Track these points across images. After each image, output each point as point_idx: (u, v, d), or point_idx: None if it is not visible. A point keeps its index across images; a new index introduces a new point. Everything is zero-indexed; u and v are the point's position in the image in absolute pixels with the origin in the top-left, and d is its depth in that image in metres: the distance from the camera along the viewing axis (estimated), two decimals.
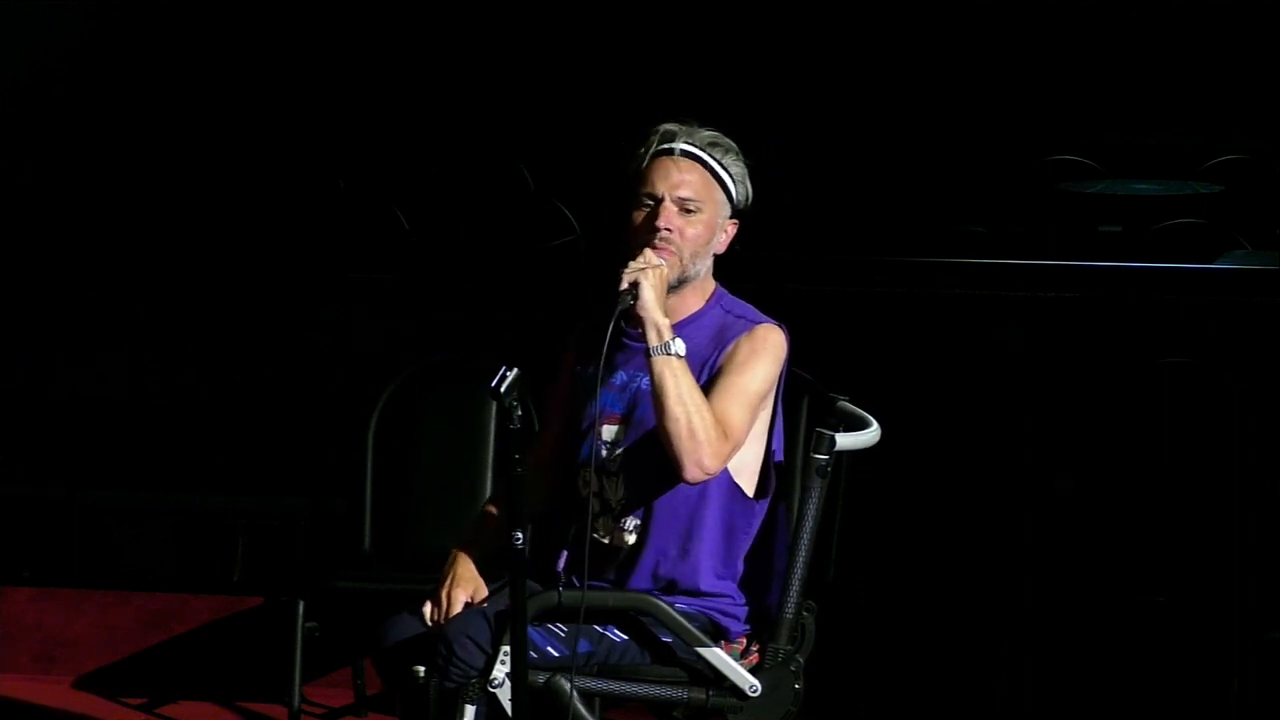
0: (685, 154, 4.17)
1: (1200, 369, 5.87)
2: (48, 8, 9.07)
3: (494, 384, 3.80)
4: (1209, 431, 5.81)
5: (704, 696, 4.09)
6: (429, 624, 4.12)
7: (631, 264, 4.10)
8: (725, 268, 4.38)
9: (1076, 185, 8.98)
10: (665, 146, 4.17)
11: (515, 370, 3.83)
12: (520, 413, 3.84)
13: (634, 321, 4.14)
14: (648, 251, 4.11)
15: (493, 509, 4.29)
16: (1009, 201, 8.85)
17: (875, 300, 6.52)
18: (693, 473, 4.03)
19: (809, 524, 4.09)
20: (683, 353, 4.05)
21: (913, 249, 7.51)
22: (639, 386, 4.15)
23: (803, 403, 4.35)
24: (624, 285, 4.07)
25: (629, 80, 10.11)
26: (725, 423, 4.04)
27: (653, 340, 4.04)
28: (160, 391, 6.84)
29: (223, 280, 6.99)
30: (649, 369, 4.04)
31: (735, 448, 4.09)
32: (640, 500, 4.13)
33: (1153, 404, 5.88)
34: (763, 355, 4.13)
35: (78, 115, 9.24)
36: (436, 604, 4.13)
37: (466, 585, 4.13)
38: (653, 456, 4.09)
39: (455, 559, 4.19)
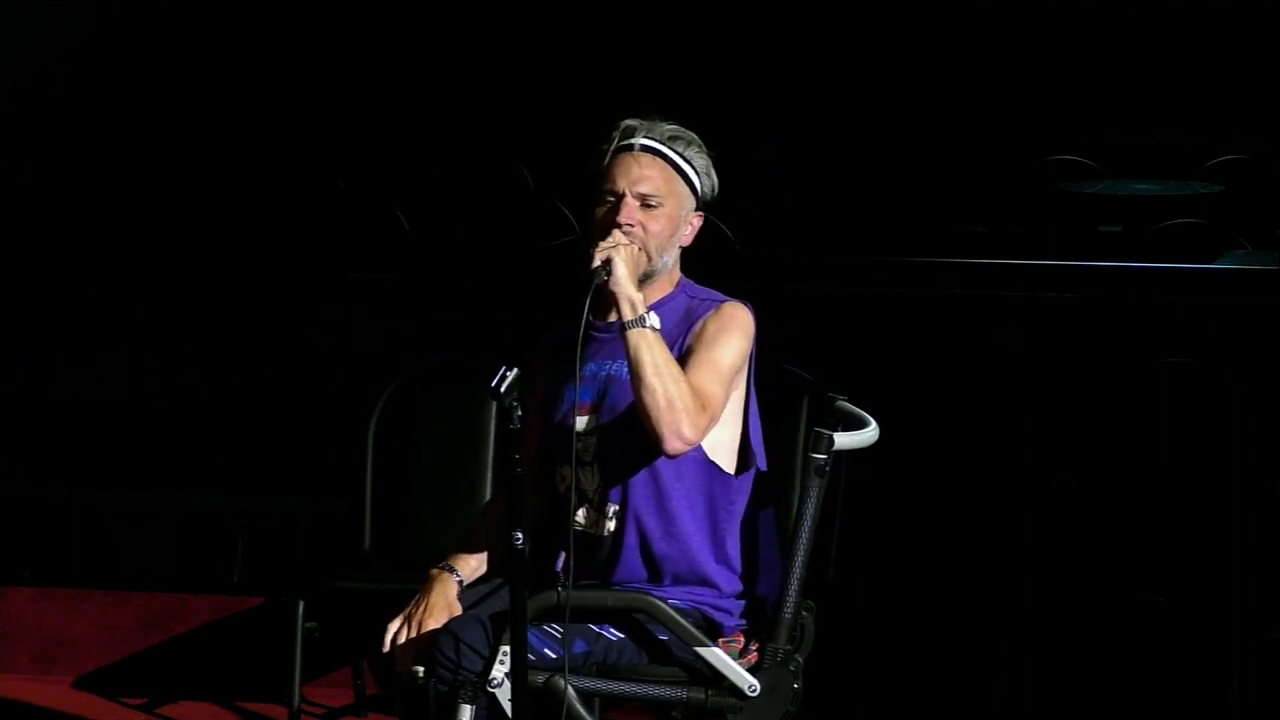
0: (646, 149, 4.17)
1: (1200, 369, 5.87)
2: (48, 8, 9.08)
3: (494, 384, 3.80)
4: (1209, 431, 5.81)
5: (703, 696, 4.09)
6: (385, 648, 4.12)
7: (602, 243, 4.10)
8: (725, 268, 4.39)
9: (1076, 185, 8.98)
10: (626, 142, 4.18)
11: (515, 370, 3.83)
12: (520, 413, 3.84)
13: (602, 313, 4.16)
14: (617, 232, 4.11)
15: (485, 522, 4.28)
16: (1009, 201, 8.85)
17: (875, 300, 6.53)
18: (672, 444, 4.02)
19: (807, 524, 4.09)
20: (658, 326, 4.05)
21: (913, 249, 7.51)
22: (608, 374, 4.16)
23: (802, 403, 4.35)
24: (596, 263, 4.07)
25: (629, 80, 10.10)
26: (701, 394, 4.04)
27: (627, 314, 4.05)
28: (160, 391, 6.84)
29: (223, 280, 6.99)
30: (624, 343, 4.04)
31: (712, 420, 4.08)
32: (616, 485, 4.13)
33: (1153, 404, 5.88)
34: (731, 331, 4.13)
35: (78, 115, 9.24)
36: (405, 625, 4.12)
37: (439, 615, 4.11)
38: (625, 440, 4.10)
39: (432, 585, 4.17)
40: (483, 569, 4.23)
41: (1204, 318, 6.36)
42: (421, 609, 4.13)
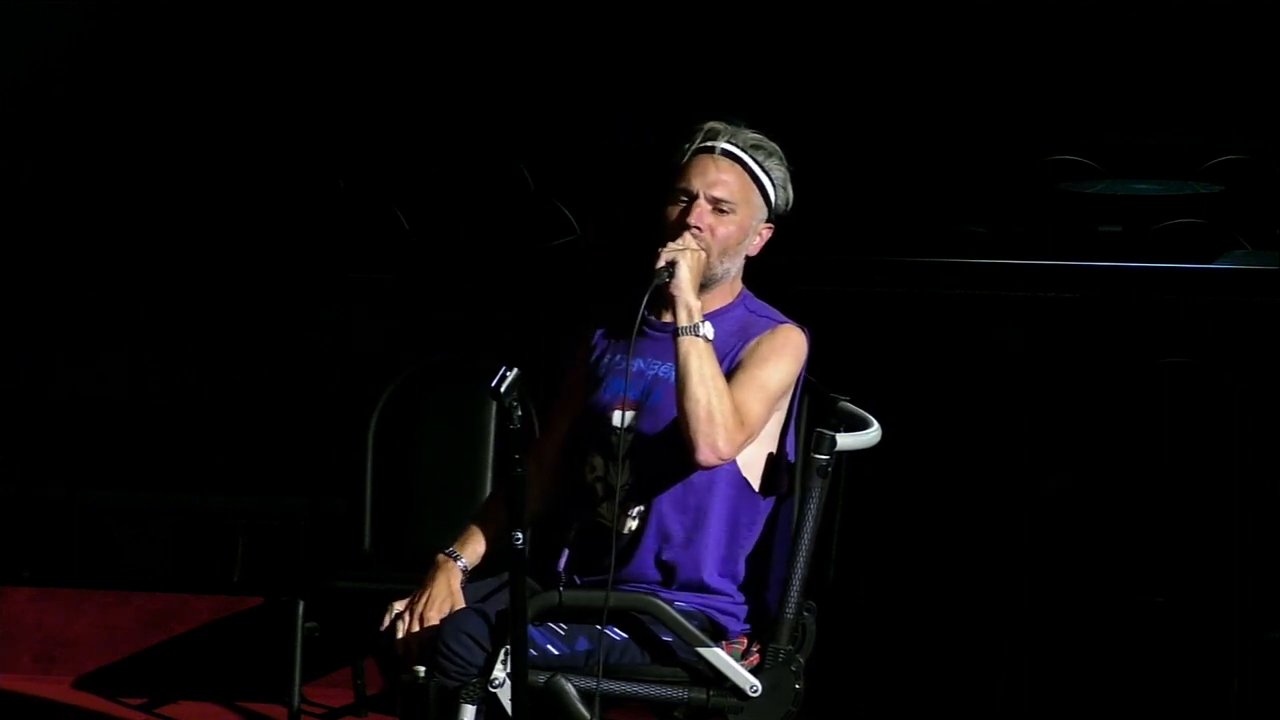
0: (726, 154, 4.18)
1: (1200, 369, 5.87)
2: (48, 8, 9.07)
3: (494, 384, 3.80)
4: (1209, 431, 5.81)
5: (704, 696, 4.09)
6: (384, 625, 4.12)
7: (671, 244, 4.11)
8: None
9: (1076, 185, 8.98)
10: (707, 144, 4.19)
11: (515, 370, 3.82)
12: (520, 413, 3.83)
13: (658, 312, 4.16)
14: (688, 235, 4.12)
15: (489, 514, 4.28)
16: (1009, 201, 8.85)
17: (875, 300, 6.53)
18: (705, 455, 4.03)
19: (809, 524, 4.09)
20: (711, 336, 4.06)
21: (913, 249, 7.51)
22: (655, 374, 4.16)
23: (803, 403, 4.35)
24: (661, 263, 4.08)
25: (629, 81, 10.11)
26: (742, 411, 4.05)
27: (683, 320, 4.05)
28: (160, 391, 6.84)
29: (223, 280, 6.99)
30: (675, 348, 4.04)
31: (750, 438, 4.09)
32: (645, 485, 4.13)
33: (1153, 404, 5.88)
34: (784, 353, 4.14)
35: (78, 115, 9.24)
36: (408, 610, 4.13)
37: (441, 607, 4.12)
38: (663, 443, 4.10)
39: (435, 574, 4.18)
40: (483, 559, 4.24)
41: (1204, 318, 6.35)
42: (424, 600, 4.13)
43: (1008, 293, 6.56)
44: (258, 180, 8.80)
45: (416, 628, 4.10)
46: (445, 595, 4.14)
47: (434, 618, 4.09)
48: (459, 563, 4.19)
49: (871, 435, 4.17)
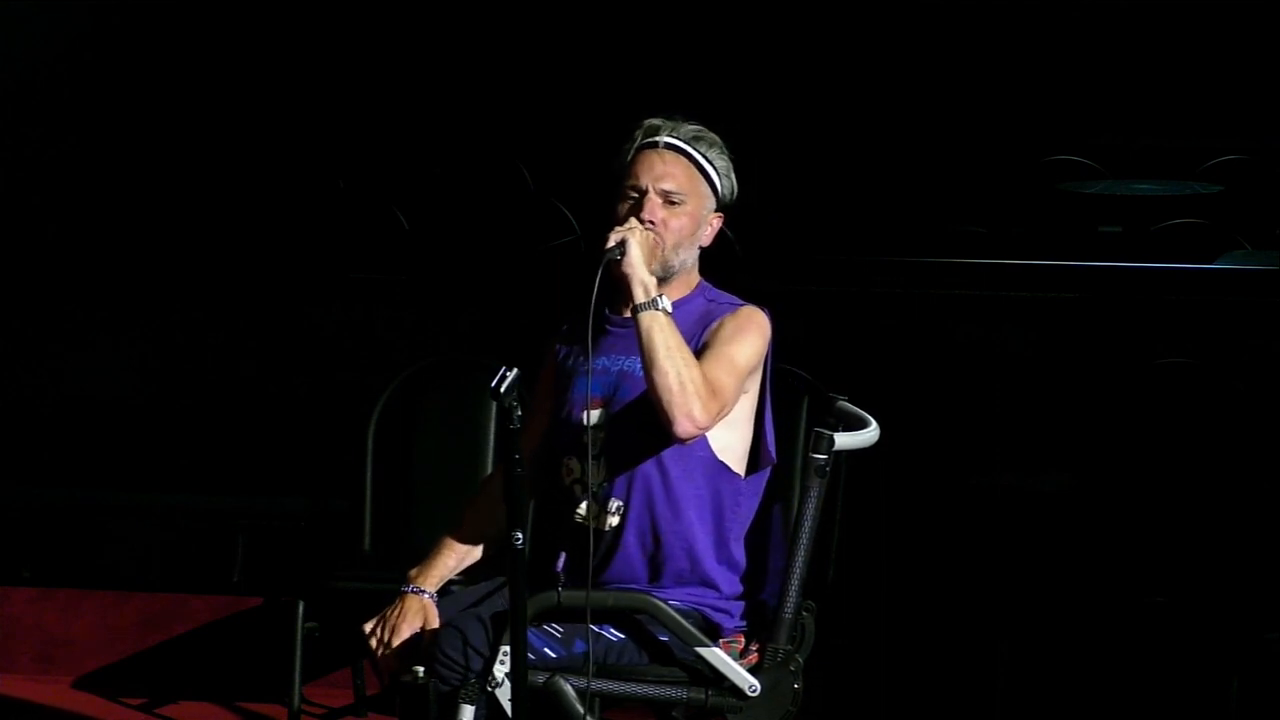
0: (669, 147, 4.20)
1: (1200, 369, 5.88)
2: (48, 8, 9.07)
3: (494, 384, 3.81)
4: (1209, 431, 5.81)
5: (703, 696, 4.09)
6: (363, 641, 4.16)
7: (618, 228, 4.12)
8: (724, 267, 4.39)
9: (1076, 185, 8.99)
10: (649, 140, 4.20)
11: (515, 370, 3.83)
12: (520, 413, 3.84)
13: (618, 307, 4.17)
14: (634, 219, 4.13)
15: (472, 512, 4.30)
16: (1009, 201, 8.85)
17: (875, 300, 6.53)
18: (684, 426, 4.02)
19: (808, 524, 4.09)
20: (670, 309, 4.06)
21: (913, 249, 7.51)
22: (620, 369, 4.17)
23: (803, 403, 4.35)
24: (610, 243, 4.09)
25: (629, 81, 10.10)
26: (713, 382, 4.05)
27: (639, 297, 4.05)
28: (161, 391, 6.85)
29: (223, 280, 6.99)
30: (636, 326, 4.04)
31: (723, 409, 4.08)
32: (622, 480, 4.14)
33: (1153, 404, 5.88)
34: (748, 331, 4.14)
35: (78, 115, 9.24)
36: (381, 625, 4.16)
37: (414, 619, 4.15)
38: (635, 437, 4.11)
39: (407, 595, 4.20)
40: (464, 562, 4.25)
41: (1204, 318, 6.36)
42: (396, 613, 4.17)
43: (1008, 293, 6.57)
44: (258, 180, 8.81)
45: (388, 637, 4.14)
46: (418, 609, 4.16)
47: (406, 632, 4.13)
48: (422, 595, 4.20)
49: (870, 435, 4.17)
